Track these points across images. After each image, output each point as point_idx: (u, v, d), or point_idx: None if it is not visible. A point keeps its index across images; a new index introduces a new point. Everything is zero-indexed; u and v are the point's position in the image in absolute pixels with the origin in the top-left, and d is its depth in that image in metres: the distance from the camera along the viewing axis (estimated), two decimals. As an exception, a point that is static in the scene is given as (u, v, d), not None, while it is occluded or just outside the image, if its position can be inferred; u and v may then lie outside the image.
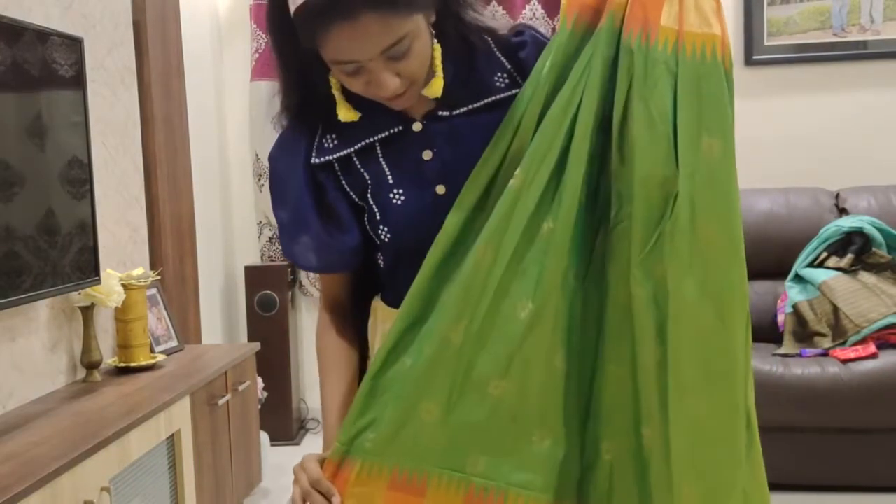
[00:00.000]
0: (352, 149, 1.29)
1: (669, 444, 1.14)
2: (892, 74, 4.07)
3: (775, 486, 3.66)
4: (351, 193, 1.31)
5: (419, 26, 1.16)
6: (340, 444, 1.24)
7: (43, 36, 2.44)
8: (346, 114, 1.26)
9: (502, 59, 1.30)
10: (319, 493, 1.24)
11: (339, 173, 1.31)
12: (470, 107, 1.28)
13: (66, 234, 2.51)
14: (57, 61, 2.50)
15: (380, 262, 1.37)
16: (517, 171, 1.18)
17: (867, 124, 4.08)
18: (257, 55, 4.20)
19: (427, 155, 1.28)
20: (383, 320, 1.35)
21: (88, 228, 2.62)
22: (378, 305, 1.39)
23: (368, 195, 1.30)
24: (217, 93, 4.24)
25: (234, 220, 4.37)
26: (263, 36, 4.17)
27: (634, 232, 1.15)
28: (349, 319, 1.42)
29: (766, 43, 4.10)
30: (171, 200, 3.46)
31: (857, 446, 3.28)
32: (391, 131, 1.29)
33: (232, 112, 4.34)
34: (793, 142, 4.11)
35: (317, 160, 1.30)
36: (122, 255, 3.04)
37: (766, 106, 4.11)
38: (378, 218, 1.29)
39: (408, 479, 1.20)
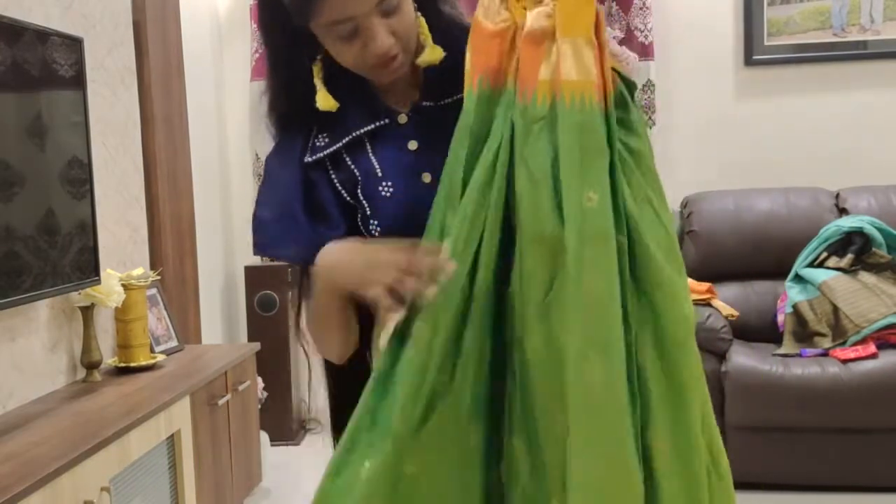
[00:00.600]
0: (341, 143, 1.31)
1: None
2: (892, 74, 4.07)
3: (775, 487, 3.68)
4: (342, 192, 1.32)
5: None
6: None
7: (43, 36, 2.44)
8: (324, 102, 1.29)
9: None
10: (417, 266, 1.16)
11: (330, 172, 1.32)
12: (455, 97, 1.28)
13: (66, 234, 2.51)
14: (57, 61, 2.50)
15: None
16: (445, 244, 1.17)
17: (867, 124, 4.08)
18: (257, 55, 4.20)
19: (413, 145, 1.30)
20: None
21: (88, 228, 2.62)
22: None
23: (358, 191, 1.31)
24: (217, 93, 4.24)
25: (234, 219, 4.37)
26: (263, 36, 4.17)
27: (527, 292, 1.14)
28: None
29: (766, 43, 4.10)
30: (171, 200, 3.46)
31: (857, 446, 3.28)
32: (378, 124, 1.31)
33: (232, 112, 4.34)
34: (793, 142, 4.11)
35: (309, 159, 1.32)
36: (122, 255, 3.04)
37: (766, 106, 4.10)
38: (368, 213, 1.30)
39: None
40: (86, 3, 2.86)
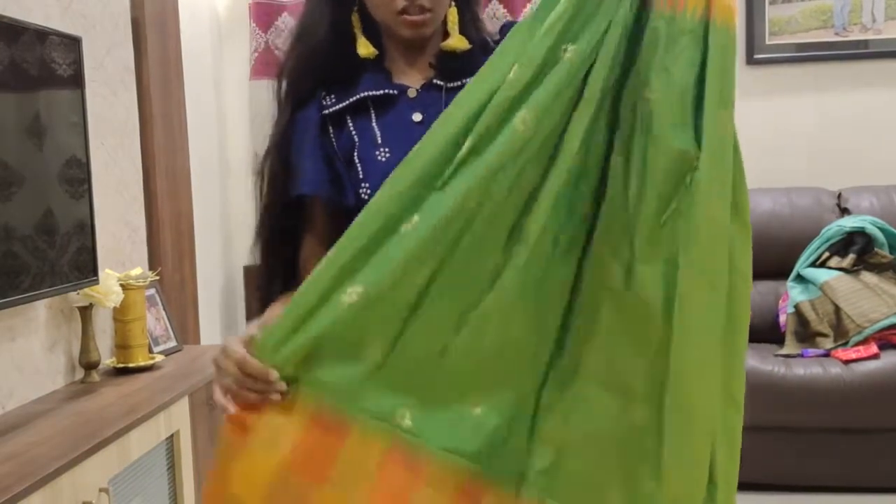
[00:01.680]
0: (348, 101, 1.35)
1: (664, 427, 1.13)
2: (893, 74, 4.07)
3: (776, 487, 3.66)
4: (336, 149, 1.36)
5: None
6: (266, 350, 1.14)
7: (42, 35, 2.43)
8: (365, 49, 1.35)
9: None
10: (250, 376, 1.15)
11: (331, 132, 1.36)
12: (463, 81, 1.30)
13: (65, 233, 2.50)
14: (56, 61, 2.49)
15: None
16: (524, 115, 1.11)
17: (869, 124, 4.07)
18: (257, 54, 4.19)
19: (417, 117, 1.33)
20: None
21: (87, 228, 2.61)
22: None
23: (355, 154, 1.34)
24: (216, 92, 4.24)
25: (233, 219, 4.36)
26: (263, 35, 4.17)
27: (645, 205, 1.11)
28: None
29: (767, 42, 4.09)
30: (170, 200, 3.45)
31: (859, 447, 3.27)
32: (387, 91, 1.35)
33: (231, 111, 4.33)
34: (794, 141, 4.10)
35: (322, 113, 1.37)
36: (121, 255, 3.03)
37: (767, 105, 4.10)
38: (360, 176, 1.33)
39: (330, 417, 1.14)
40: (85, 2, 2.85)
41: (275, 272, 1.41)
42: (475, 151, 1.12)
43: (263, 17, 4.18)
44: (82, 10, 2.84)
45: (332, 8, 1.35)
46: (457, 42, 1.34)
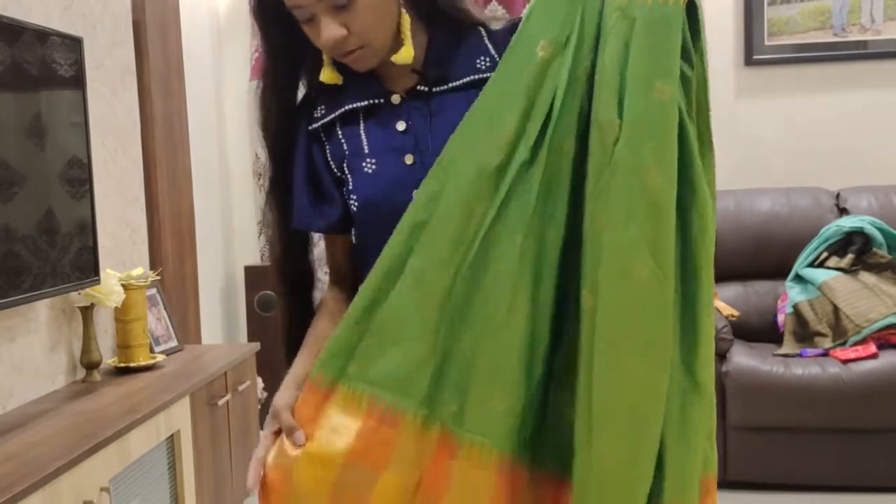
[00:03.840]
0: (335, 114, 1.34)
1: (591, 397, 1.14)
2: (892, 74, 4.07)
3: (775, 487, 3.67)
4: (332, 164, 1.36)
5: None
6: (324, 373, 1.24)
7: (43, 36, 2.44)
8: (328, 75, 1.32)
9: (489, 46, 1.34)
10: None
11: (325, 144, 1.36)
12: (449, 85, 1.31)
13: (66, 234, 2.51)
14: (57, 61, 2.50)
15: (353, 237, 1.39)
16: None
17: (868, 124, 4.08)
18: (257, 54, 4.19)
19: (401, 126, 1.32)
20: None
21: (88, 228, 2.61)
22: None
23: (345, 164, 1.34)
24: (217, 92, 4.24)
25: (234, 220, 4.37)
26: (263, 36, 4.17)
27: (589, 182, 1.16)
28: (350, 295, 1.41)
29: (766, 43, 4.09)
30: (170, 200, 3.46)
31: (858, 446, 3.28)
32: (372, 101, 1.33)
33: (232, 111, 4.34)
34: (793, 142, 4.10)
35: (310, 128, 1.37)
36: (122, 255, 3.04)
37: (766, 106, 4.10)
38: (350, 188, 1.33)
39: (384, 411, 1.21)
40: (85, 3, 2.86)
41: (293, 311, 1.45)
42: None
43: None
44: (83, 10, 2.84)
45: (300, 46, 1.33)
46: (402, 55, 1.28)
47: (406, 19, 1.29)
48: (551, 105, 1.18)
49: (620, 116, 1.12)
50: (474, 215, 1.18)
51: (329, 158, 1.36)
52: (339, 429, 1.22)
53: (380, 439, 1.20)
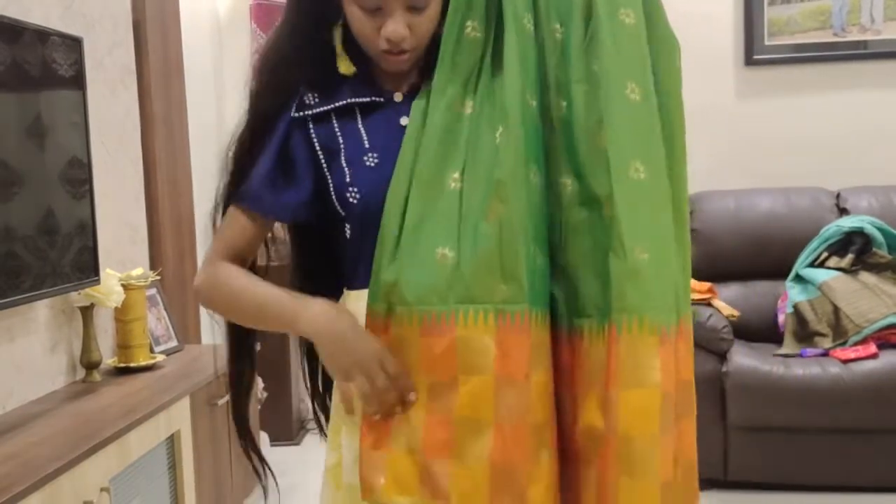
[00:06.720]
0: (332, 105, 1.35)
1: (616, 210, 1.23)
2: (892, 74, 4.07)
3: (775, 487, 3.66)
4: (319, 152, 1.35)
5: None
6: (377, 305, 1.27)
7: (43, 36, 2.44)
8: (346, 67, 1.35)
9: None
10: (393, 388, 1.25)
11: (310, 127, 1.35)
12: None
13: (66, 234, 2.51)
14: (56, 61, 2.50)
15: (346, 232, 1.36)
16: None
17: (868, 124, 4.08)
18: (257, 55, 4.20)
19: (405, 121, 1.33)
20: (356, 302, 1.35)
21: (88, 228, 2.62)
22: (349, 294, 1.38)
23: (341, 158, 1.33)
24: (217, 93, 4.24)
25: (234, 220, 4.36)
26: (263, 36, 4.17)
27: (570, 37, 1.26)
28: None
29: (766, 43, 4.10)
30: (170, 200, 3.46)
31: (858, 446, 3.28)
32: (373, 98, 1.35)
33: (232, 111, 4.34)
34: (793, 142, 4.11)
35: (296, 114, 1.36)
36: (122, 255, 3.04)
37: (766, 106, 4.10)
38: (348, 180, 1.32)
39: (436, 320, 1.23)
40: (85, 2, 2.86)
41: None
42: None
43: (264, 17, 4.19)
44: (83, 10, 2.84)
45: (314, 21, 1.35)
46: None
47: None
48: None
49: None
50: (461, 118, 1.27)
51: (317, 147, 1.35)
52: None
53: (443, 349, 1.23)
